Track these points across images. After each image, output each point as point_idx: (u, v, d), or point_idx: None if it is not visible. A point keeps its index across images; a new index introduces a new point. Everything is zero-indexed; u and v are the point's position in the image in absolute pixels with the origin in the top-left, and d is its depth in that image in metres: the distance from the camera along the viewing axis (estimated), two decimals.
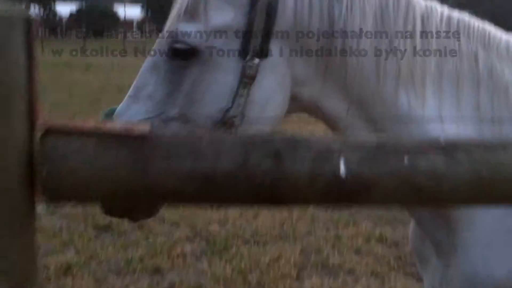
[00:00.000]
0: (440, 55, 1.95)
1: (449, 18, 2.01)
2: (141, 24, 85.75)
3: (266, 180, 1.00)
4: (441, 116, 1.94)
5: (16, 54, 0.89)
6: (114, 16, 73.49)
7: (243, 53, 1.86)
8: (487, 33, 2.02)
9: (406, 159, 1.03)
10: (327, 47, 1.91)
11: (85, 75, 20.92)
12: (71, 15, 76.21)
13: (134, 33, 76.68)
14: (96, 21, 65.66)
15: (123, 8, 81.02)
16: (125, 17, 77.97)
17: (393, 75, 1.92)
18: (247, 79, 1.85)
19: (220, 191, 0.99)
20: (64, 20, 79.48)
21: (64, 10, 79.30)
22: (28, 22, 0.93)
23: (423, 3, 2.01)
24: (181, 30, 1.88)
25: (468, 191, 1.06)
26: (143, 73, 1.95)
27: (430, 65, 1.94)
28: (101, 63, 27.00)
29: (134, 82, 1.97)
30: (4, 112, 0.88)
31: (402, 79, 1.92)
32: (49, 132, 0.96)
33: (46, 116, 0.97)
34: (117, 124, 1.00)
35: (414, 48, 1.93)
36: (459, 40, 1.98)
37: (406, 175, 1.03)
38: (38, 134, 0.95)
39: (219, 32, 1.87)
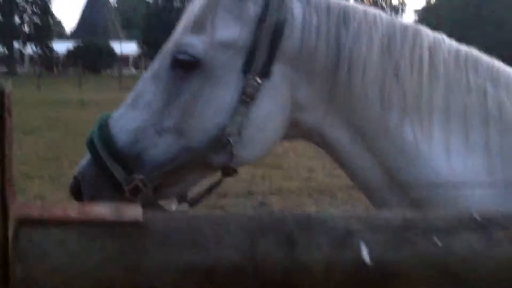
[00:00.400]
0: (448, 87, 1.87)
1: (457, 51, 1.93)
2: (137, 59, 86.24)
3: (277, 271, 0.86)
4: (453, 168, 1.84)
5: None
6: (111, 52, 73.81)
7: (246, 70, 1.81)
8: (495, 69, 1.94)
9: (437, 240, 0.90)
10: (331, 73, 1.85)
11: (81, 112, 20.79)
12: (68, 52, 76.63)
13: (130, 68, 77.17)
14: (93, 57, 65.92)
15: (119, 44, 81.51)
16: (121, 52, 78.45)
17: (398, 104, 1.84)
18: (247, 98, 1.79)
19: (224, 286, 0.85)
20: (61, 57, 79.91)
21: (61, 47, 79.85)
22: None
23: (431, 34, 1.94)
24: (185, 41, 1.83)
25: (510, 275, 0.93)
26: (143, 82, 1.90)
27: (437, 97, 1.86)
28: (96, 99, 26.87)
29: (133, 90, 1.91)
30: None
31: (407, 109, 1.84)
32: (24, 223, 0.82)
33: (21, 202, 0.83)
34: (104, 208, 0.86)
35: (421, 79, 1.85)
36: (467, 74, 1.89)
37: (438, 259, 0.90)
38: (11, 226, 0.81)
39: (224, 46, 1.82)
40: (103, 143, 1.82)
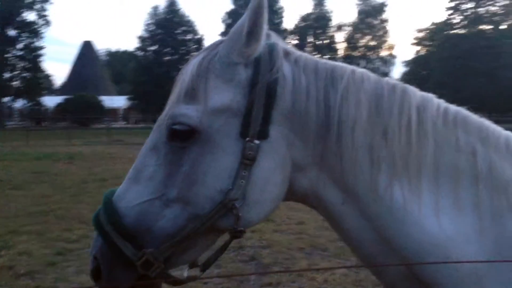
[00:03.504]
0: (437, 146, 1.86)
1: (446, 110, 1.93)
2: (126, 112, 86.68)
3: None
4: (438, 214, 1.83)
5: None
6: (100, 106, 74.09)
7: (243, 134, 1.80)
8: (485, 128, 1.94)
9: None
10: (322, 134, 1.86)
11: (69, 166, 20.64)
12: (57, 106, 76.92)
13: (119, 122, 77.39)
14: (82, 111, 66.09)
15: (109, 98, 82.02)
16: (110, 106, 78.84)
17: (387, 165, 1.84)
18: (247, 160, 1.79)
19: None
20: (50, 111, 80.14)
21: (51, 101, 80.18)
22: None
23: (419, 94, 1.95)
24: (180, 112, 1.83)
25: None
26: (142, 155, 1.91)
27: (426, 157, 1.85)
28: (85, 153, 26.78)
29: (134, 164, 1.91)
30: None
31: (396, 170, 1.84)
32: None
33: None
34: None
35: (409, 138, 1.85)
36: (456, 133, 1.89)
37: None
38: None
39: (218, 112, 1.82)
40: (110, 221, 1.82)
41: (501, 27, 70.13)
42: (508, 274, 1.77)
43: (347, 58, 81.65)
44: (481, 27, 70.61)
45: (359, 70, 1.97)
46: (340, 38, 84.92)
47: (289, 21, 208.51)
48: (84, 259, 7.68)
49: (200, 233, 1.82)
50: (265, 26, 1.84)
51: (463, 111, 1.96)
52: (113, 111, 79.97)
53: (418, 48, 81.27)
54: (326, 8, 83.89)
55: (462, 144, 1.87)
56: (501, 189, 1.84)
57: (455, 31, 73.24)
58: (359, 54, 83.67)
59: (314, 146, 1.87)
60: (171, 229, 1.81)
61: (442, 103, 1.96)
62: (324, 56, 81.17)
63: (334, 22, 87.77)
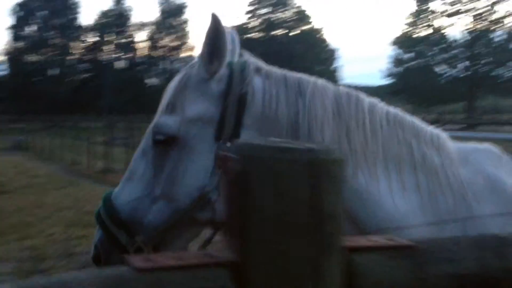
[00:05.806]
0: (384, 142, 2.30)
1: (387, 113, 2.38)
2: None
3: (496, 275, 1.22)
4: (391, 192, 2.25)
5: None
6: None
7: (217, 138, 2.10)
8: (416, 126, 2.44)
9: None
10: (292, 133, 2.19)
11: None
12: None
13: None
14: None
15: None
16: None
17: (351, 158, 2.23)
18: None
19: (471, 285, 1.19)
20: None
21: None
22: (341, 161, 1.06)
23: (367, 99, 2.38)
24: (161, 121, 2.16)
25: None
26: (135, 158, 2.23)
27: (378, 150, 2.28)
28: None
29: (128, 167, 2.23)
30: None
31: (358, 161, 2.23)
32: (354, 250, 1.07)
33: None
34: (382, 238, 1.15)
35: (366, 136, 2.27)
36: (396, 131, 2.35)
37: None
38: (348, 253, 1.06)
39: (194, 121, 2.13)
40: (108, 215, 2.15)
41: (293, 33, 75.86)
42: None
43: (149, 58, 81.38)
44: (276, 32, 75.59)
45: (320, 80, 2.35)
46: (142, 38, 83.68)
47: (90, 17, 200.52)
48: None
49: (183, 225, 2.11)
50: (227, 47, 2.18)
51: (399, 112, 2.43)
52: None
53: None
54: (125, 6, 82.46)
55: (401, 139, 2.33)
56: (433, 173, 2.33)
57: (252, 35, 77.35)
58: (160, 54, 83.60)
59: None
60: (157, 222, 2.11)
61: (384, 106, 2.41)
62: (124, 55, 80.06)
63: (137, 20, 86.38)
